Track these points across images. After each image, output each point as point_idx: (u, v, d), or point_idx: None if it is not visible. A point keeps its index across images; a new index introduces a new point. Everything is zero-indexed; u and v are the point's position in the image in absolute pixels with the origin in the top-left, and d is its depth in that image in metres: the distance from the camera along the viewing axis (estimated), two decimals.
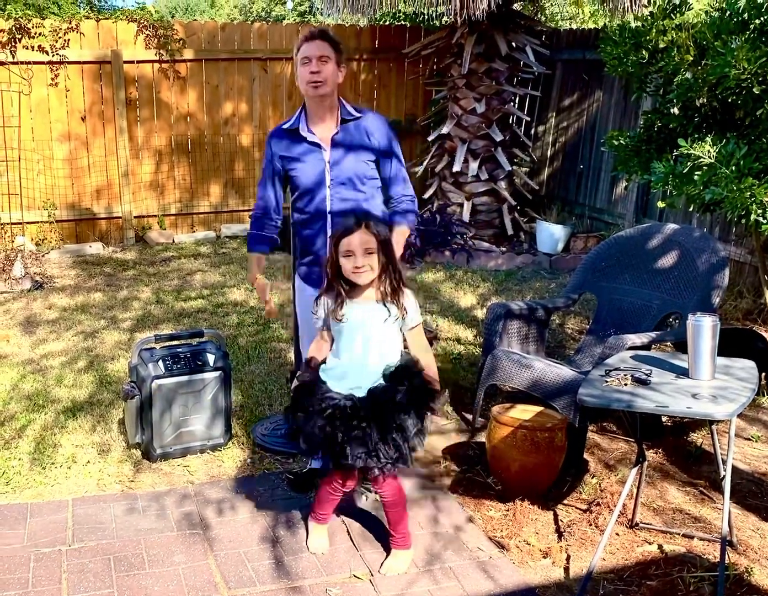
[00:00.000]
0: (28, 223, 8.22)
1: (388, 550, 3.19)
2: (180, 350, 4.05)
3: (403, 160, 3.56)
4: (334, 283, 2.95)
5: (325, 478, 3.20)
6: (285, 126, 3.48)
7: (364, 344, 2.96)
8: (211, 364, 4.02)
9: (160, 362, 3.93)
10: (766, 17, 3.92)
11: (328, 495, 3.18)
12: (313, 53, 3.29)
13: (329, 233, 3.36)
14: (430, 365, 3.03)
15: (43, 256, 7.85)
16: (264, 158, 3.58)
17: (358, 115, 3.42)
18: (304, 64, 3.31)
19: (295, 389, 3.06)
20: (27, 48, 7.92)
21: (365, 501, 3.55)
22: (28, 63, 8.02)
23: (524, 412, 3.73)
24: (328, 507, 3.23)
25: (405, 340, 3.08)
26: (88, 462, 3.93)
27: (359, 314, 2.95)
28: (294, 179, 3.45)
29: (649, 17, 4.42)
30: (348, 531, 3.34)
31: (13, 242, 7.95)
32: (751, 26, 3.96)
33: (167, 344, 4.10)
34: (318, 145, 3.39)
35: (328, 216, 3.39)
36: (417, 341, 3.05)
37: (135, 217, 8.78)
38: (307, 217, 3.47)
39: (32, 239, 8.26)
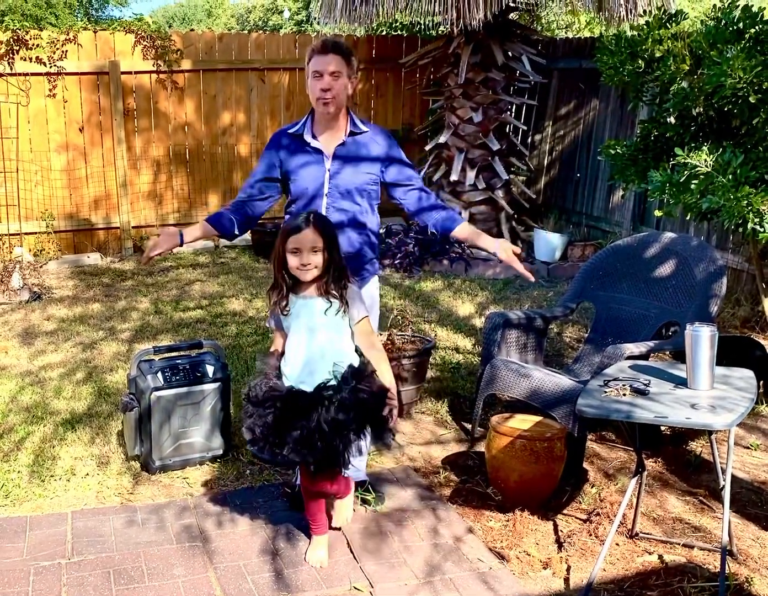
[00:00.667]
0: (26, 234, 8.22)
1: (388, 561, 3.19)
2: (179, 361, 4.05)
3: (413, 165, 3.57)
4: (279, 277, 3.03)
5: (301, 478, 3.26)
6: (290, 130, 3.45)
7: (308, 336, 3.02)
8: (210, 375, 4.02)
9: (159, 374, 3.93)
10: (761, 27, 3.94)
11: (307, 499, 3.23)
12: (325, 68, 3.26)
13: None
14: (381, 369, 3.04)
15: (41, 267, 7.86)
16: (261, 157, 3.53)
17: (364, 129, 3.41)
18: (315, 77, 3.28)
19: (250, 381, 3.09)
20: (25, 59, 7.93)
21: (365, 513, 3.55)
22: (26, 74, 8.04)
23: (523, 422, 3.73)
24: (315, 513, 3.24)
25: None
26: (87, 474, 3.93)
27: (301, 307, 3.03)
28: (292, 184, 3.43)
29: (645, 26, 4.44)
30: (348, 543, 3.34)
31: (11, 253, 7.95)
32: (747, 35, 3.98)
33: (166, 355, 4.10)
34: (320, 153, 3.38)
35: None
36: (363, 337, 3.09)
37: (133, 227, 8.78)
38: None
39: (30, 250, 8.26)
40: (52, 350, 5.71)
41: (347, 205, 3.39)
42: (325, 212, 3.36)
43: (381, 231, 8.31)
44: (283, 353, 3.11)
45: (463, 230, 3.48)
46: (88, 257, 8.40)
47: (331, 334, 3.03)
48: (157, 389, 3.88)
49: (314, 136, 3.39)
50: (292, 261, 2.97)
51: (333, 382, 2.95)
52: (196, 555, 3.27)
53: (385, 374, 3.05)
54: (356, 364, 3.02)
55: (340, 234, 3.28)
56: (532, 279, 3.55)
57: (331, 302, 3.01)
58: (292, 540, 3.36)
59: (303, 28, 32.24)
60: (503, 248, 3.41)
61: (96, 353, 5.61)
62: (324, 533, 3.27)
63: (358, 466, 3.54)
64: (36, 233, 8.33)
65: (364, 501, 3.58)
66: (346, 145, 3.38)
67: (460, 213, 8.36)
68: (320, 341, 3.01)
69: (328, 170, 3.37)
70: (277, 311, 3.07)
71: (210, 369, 4.03)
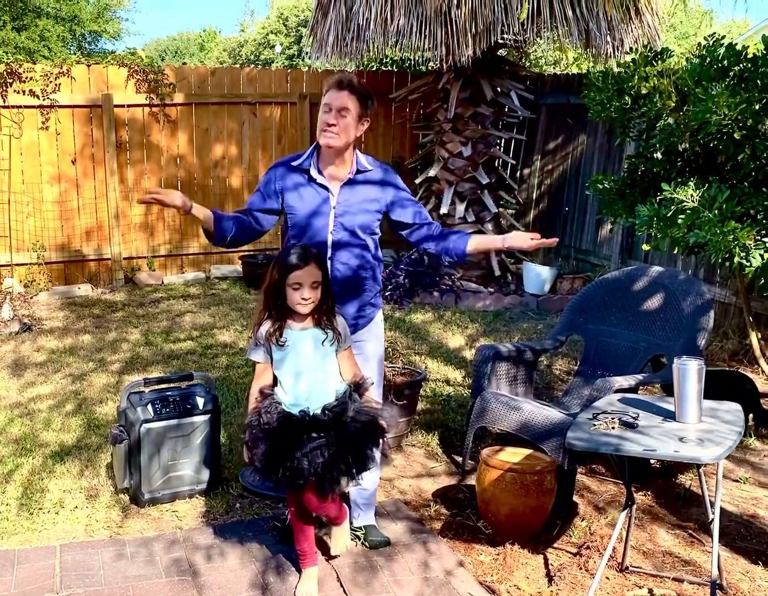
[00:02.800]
0: (17, 265, 8.22)
1: (378, 595, 3.18)
2: (169, 393, 4.04)
3: (416, 200, 3.57)
4: (274, 309, 3.07)
5: (290, 509, 3.25)
6: (294, 162, 3.40)
7: (306, 367, 3.07)
8: (201, 407, 4.01)
9: (149, 406, 3.92)
10: (745, 65, 4.03)
11: (297, 525, 3.23)
12: (335, 104, 3.24)
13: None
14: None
15: (31, 298, 7.85)
16: (260, 187, 3.44)
17: (370, 168, 3.40)
18: (324, 111, 3.26)
19: (251, 415, 3.08)
20: (18, 92, 7.99)
21: (355, 547, 3.53)
22: (19, 107, 8.09)
23: (513, 455, 3.74)
24: (303, 542, 3.23)
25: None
26: (76, 507, 3.90)
27: (299, 338, 3.08)
28: (293, 217, 3.38)
29: (631, 64, 4.53)
30: (338, 577, 3.32)
31: (1, 283, 7.95)
32: (731, 73, 4.07)
33: (156, 387, 4.10)
34: (326, 189, 3.34)
35: (328, 261, 3.34)
36: (348, 363, 3.19)
37: (124, 258, 8.80)
38: None
39: (21, 281, 8.26)
40: (42, 381, 5.69)
41: (352, 241, 3.37)
42: (331, 249, 3.34)
43: None
44: (273, 384, 3.12)
45: (473, 244, 3.46)
46: (79, 288, 8.40)
47: (327, 363, 3.10)
48: (147, 421, 3.87)
49: (320, 172, 3.35)
50: (293, 296, 3.01)
51: (338, 402, 3.04)
52: (186, 588, 3.25)
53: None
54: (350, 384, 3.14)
55: (346, 270, 3.32)
56: (556, 240, 3.54)
57: (326, 332, 3.07)
58: (282, 574, 3.34)
59: (295, 63, 32.56)
60: (520, 239, 3.45)
61: (86, 385, 5.60)
62: (313, 565, 3.26)
63: (366, 507, 3.57)
64: (27, 264, 8.33)
65: (372, 546, 3.55)
66: (351, 184, 3.36)
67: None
68: (319, 370, 3.07)
69: (334, 208, 3.34)
70: (269, 342, 3.08)
71: (200, 401, 4.03)
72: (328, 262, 3.34)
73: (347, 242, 3.37)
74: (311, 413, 3.01)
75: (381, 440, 3.08)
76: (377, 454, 3.09)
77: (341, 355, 3.15)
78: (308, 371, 3.08)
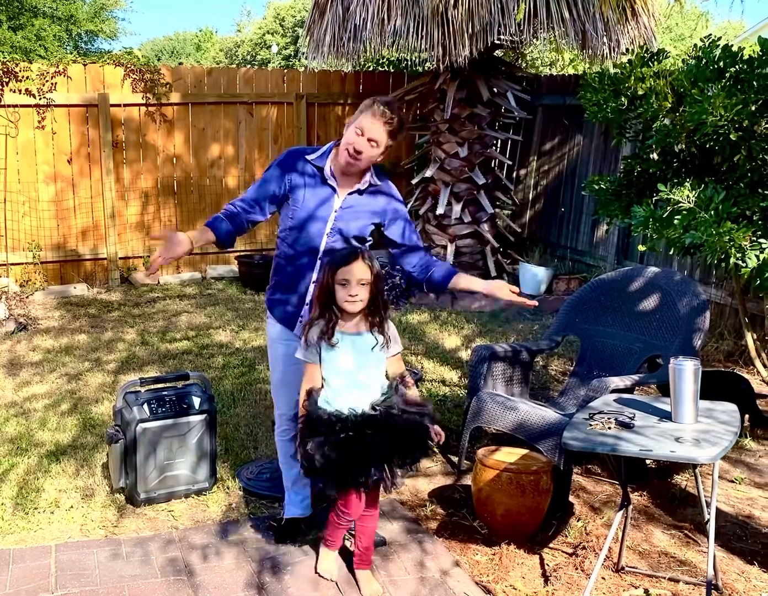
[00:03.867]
0: (12, 264, 8.21)
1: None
2: (165, 393, 4.04)
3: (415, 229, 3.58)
4: (325, 310, 3.07)
5: (332, 505, 3.26)
6: (309, 156, 3.38)
7: (355, 368, 3.08)
8: (197, 407, 4.01)
9: (145, 406, 3.92)
10: (740, 66, 4.04)
11: (335, 522, 3.25)
12: (368, 133, 3.22)
13: (315, 275, 3.36)
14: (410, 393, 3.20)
15: (27, 297, 7.84)
16: (270, 174, 3.41)
17: (379, 183, 3.41)
18: (356, 133, 3.24)
19: (302, 420, 3.09)
20: (14, 91, 7.97)
21: (351, 547, 3.53)
22: (15, 106, 8.07)
23: (509, 455, 3.74)
24: (337, 535, 3.30)
25: None
26: (72, 506, 3.90)
27: (349, 341, 3.09)
28: (295, 209, 3.36)
29: (627, 65, 4.53)
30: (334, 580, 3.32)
31: None
32: (727, 74, 4.07)
33: (152, 387, 4.09)
34: (334, 191, 3.35)
35: (318, 261, 3.37)
36: (396, 367, 3.21)
37: (120, 258, 8.79)
38: (296, 253, 3.41)
39: (16, 281, 8.24)
40: (38, 381, 5.68)
41: (343, 245, 3.37)
42: (322, 252, 3.35)
43: None
44: (321, 386, 3.13)
45: (454, 283, 3.47)
46: (75, 287, 8.39)
47: (376, 368, 3.13)
48: (142, 421, 3.86)
49: (333, 174, 3.35)
50: (340, 293, 3.03)
51: (385, 397, 3.08)
52: (181, 588, 3.24)
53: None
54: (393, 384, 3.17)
55: None
56: (535, 303, 3.51)
57: (377, 339, 3.09)
58: (278, 574, 3.34)
59: (291, 63, 32.57)
60: (498, 287, 3.43)
61: (81, 385, 5.59)
62: (336, 549, 3.33)
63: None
64: (22, 263, 8.32)
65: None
66: (357, 193, 3.37)
67: (445, 246, 8.43)
68: (368, 375, 3.10)
69: (335, 212, 3.35)
70: (319, 343, 3.08)
71: (196, 401, 4.02)
72: (317, 263, 3.36)
73: (340, 249, 3.36)
74: (361, 411, 3.03)
75: (429, 430, 3.11)
76: (427, 444, 3.13)
77: (390, 360, 3.18)
78: (356, 374, 3.09)
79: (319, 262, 3.36)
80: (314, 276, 3.37)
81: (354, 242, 3.38)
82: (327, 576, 3.27)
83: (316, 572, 3.31)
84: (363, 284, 3.03)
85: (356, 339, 3.10)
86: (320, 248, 3.36)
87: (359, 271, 3.02)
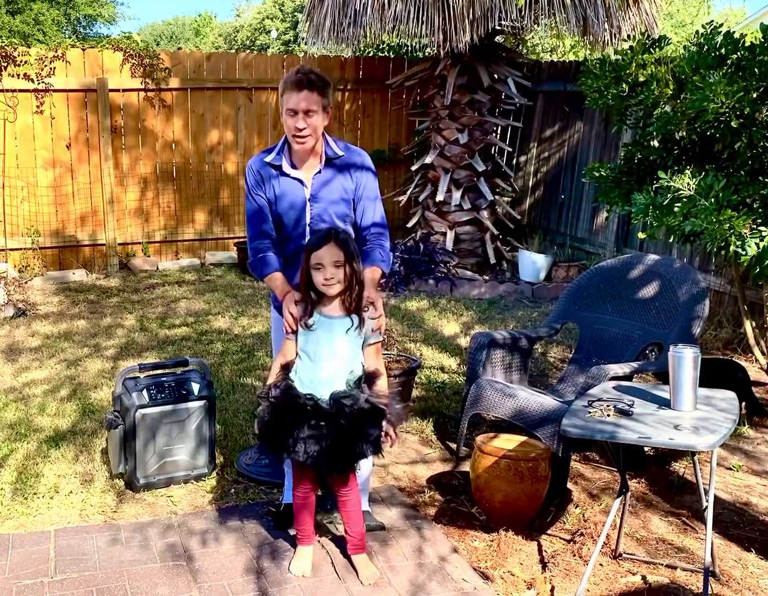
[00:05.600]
0: (11, 250, 8.20)
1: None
2: (164, 379, 4.04)
3: (380, 196, 3.53)
4: (304, 293, 3.11)
5: (293, 487, 3.29)
6: (266, 158, 3.40)
7: (329, 352, 3.09)
8: (196, 393, 4.01)
9: (144, 392, 3.92)
10: (742, 53, 4.01)
11: (298, 502, 3.26)
12: (300, 106, 3.20)
13: None
14: (378, 385, 3.16)
15: (26, 283, 7.83)
16: (248, 199, 3.46)
17: (341, 153, 3.38)
18: (290, 115, 3.23)
19: (267, 390, 3.14)
20: (12, 76, 7.92)
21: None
22: (14, 91, 8.04)
23: (508, 442, 3.74)
24: (301, 520, 3.27)
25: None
26: (71, 492, 3.90)
27: (326, 323, 3.10)
28: (275, 213, 3.42)
29: (629, 51, 4.51)
30: (333, 563, 3.33)
31: None
32: (729, 61, 4.05)
33: (151, 373, 4.09)
34: (300, 181, 3.36)
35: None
36: (373, 358, 3.18)
37: (119, 244, 8.78)
38: (286, 249, 3.44)
39: (15, 266, 8.24)
40: (37, 366, 5.68)
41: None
42: (308, 238, 3.36)
43: None
44: (291, 363, 3.16)
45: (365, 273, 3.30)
46: (74, 273, 8.38)
47: (349, 351, 3.11)
48: (142, 406, 3.87)
49: (293, 166, 3.35)
50: (317, 277, 3.04)
51: (349, 391, 3.07)
52: (180, 574, 3.25)
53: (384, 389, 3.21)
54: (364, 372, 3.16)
55: None
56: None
57: (353, 321, 3.09)
58: (277, 560, 3.35)
59: (291, 49, 32.44)
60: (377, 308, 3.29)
61: (81, 370, 5.59)
62: (309, 544, 3.30)
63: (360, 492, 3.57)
64: (21, 249, 8.32)
65: (367, 529, 3.53)
66: (323, 172, 3.36)
67: (445, 233, 8.41)
68: (339, 355, 3.09)
69: (309, 200, 3.35)
70: (299, 324, 3.11)
71: (195, 387, 4.02)
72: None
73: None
74: (316, 400, 3.05)
75: (380, 433, 3.11)
76: (370, 449, 3.12)
77: (367, 350, 3.15)
78: (329, 357, 3.09)
79: None
80: None
81: (340, 224, 3.37)
82: (299, 574, 3.22)
83: (289, 571, 3.25)
84: (338, 266, 3.03)
85: (332, 323, 3.10)
86: (307, 236, 3.37)
87: (332, 253, 3.01)
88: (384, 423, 3.10)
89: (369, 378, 3.13)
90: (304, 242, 3.34)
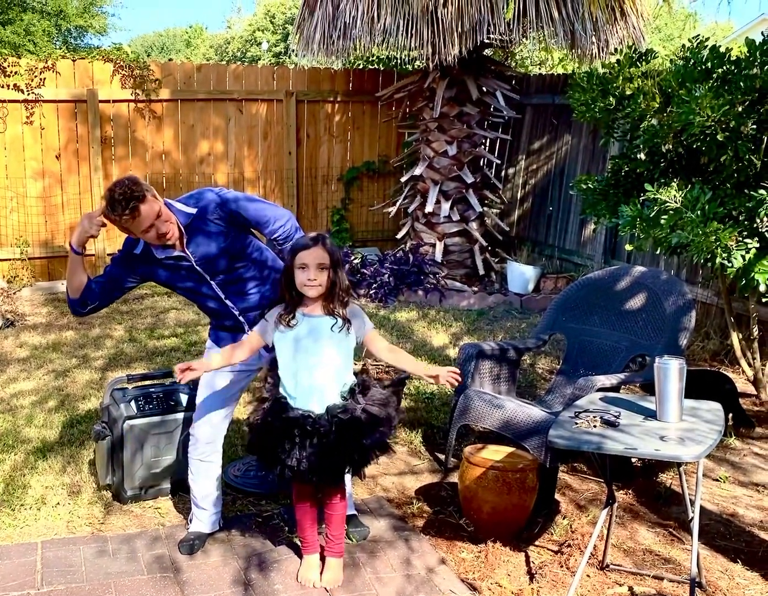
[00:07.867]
0: None
1: (360, 592, 3.19)
2: (152, 390, 4.03)
3: (249, 195, 3.55)
4: (286, 293, 3.11)
5: (294, 499, 3.30)
6: (136, 251, 3.40)
7: (315, 351, 3.08)
8: (184, 404, 4.00)
9: (133, 403, 3.91)
10: (728, 67, 4.06)
11: (298, 513, 3.28)
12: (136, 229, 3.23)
13: (239, 314, 3.46)
14: (405, 360, 3.25)
15: (14, 293, 7.80)
16: (115, 268, 3.58)
17: (192, 211, 3.33)
18: (147, 232, 3.23)
19: (258, 416, 3.14)
20: (2, 86, 7.92)
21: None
22: (3, 101, 8.04)
23: (496, 453, 3.75)
24: (303, 531, 3.28)
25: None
26: (58, 503, 3.89)
27: (309, 322, 3.10)
28: (179, 292, 3.52)
29: (616, 65, 4.55)
30: (320, 574, 3.32)
31: None
32: (714, 75, 4.10)
33: (140, 384, 4.09)
34: (179, 258, 3.34)
35: (227, 302, 3.45)
36: (377, 343, 3.21)
37: (108, 254, 8.73)
38: (213, 312, 3.54)
39: (4, 277, 8.21)
40: (25, 377, 5.66)
41: (232, 275, 3.42)
42: (223, 292, 3.43)
43: (356, 261, 8.35)
44: (276, 371, 3.15)
45: None
46: (63, 284, 8.34)
47: (336, 351, 3.10)
48: (130, 418, 3.86)
49: (163, 250, 3.33)
50: (300, 277, 3.04)
51: (343, 403, 3.07)
52: (168, 586, 3.24)
53: (409, 364, 3.27)
54: (358, 380, 3.17)
55: (248, 297, 3.43)
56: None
57: (336, 319, 3.09)
58: (264, 571, 3.34)
59: (281, 60, 32.51)
60: None
61: (69, 381, 5.57)
62: (314, 552, 3.30)
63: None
64: (10, 259, 8.29)
65: (347, 536, 3.55)
66: (189, 237, 3.31)
67: (434, 244, 8.43)
68: (328, 359, 3.08)
69: (196, 264, 3.35)
70: (277, 324, 3.11)
71: (184, 398, 4.02)
72: (227, 302, 3.44)
73: (232, 279, 3.42)
74: (313, 418, 3.04)
75: (380, 443, 3.14)
76: (376, 451, 3.16)
77: (367, 339, 3.17)
78: (310, 358, 3.08)
79: (228, 302, 3.46)
80: (238, 314, 3.48)
81: (237, 264, 3.40)
82: (306, 584, 3.23)
83: (297, 580, 3.27)
84: (322, 269, 3.03)
85: (312, 323, 3.09)
86: (219, 293, 3.43)
87: (318, 255, 3.02)
88: (392, 412, 3.12)
89: (362, 386, 3.13)
90: (219, 300, 3.43)
